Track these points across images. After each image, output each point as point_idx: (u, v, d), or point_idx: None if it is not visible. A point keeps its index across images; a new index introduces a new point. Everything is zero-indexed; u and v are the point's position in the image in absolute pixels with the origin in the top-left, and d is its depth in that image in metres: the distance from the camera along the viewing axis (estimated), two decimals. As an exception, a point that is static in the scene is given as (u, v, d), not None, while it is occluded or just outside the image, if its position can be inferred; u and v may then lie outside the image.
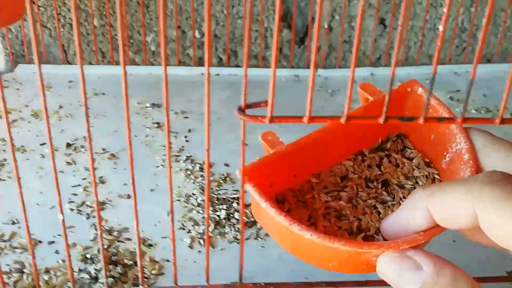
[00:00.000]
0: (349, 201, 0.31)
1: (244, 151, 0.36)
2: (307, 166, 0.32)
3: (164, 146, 0.59)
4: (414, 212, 0.25)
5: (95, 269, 0.43)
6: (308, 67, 0.78)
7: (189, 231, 0.48)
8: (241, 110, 0.32)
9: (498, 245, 0.23)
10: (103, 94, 0.69)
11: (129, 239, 0.47)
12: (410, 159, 0.33)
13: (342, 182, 0.32)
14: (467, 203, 0.22)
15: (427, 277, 0.23)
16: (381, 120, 0.32)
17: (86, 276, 0.42)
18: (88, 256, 0.44)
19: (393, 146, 0.34)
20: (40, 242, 0.46)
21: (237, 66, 0.77)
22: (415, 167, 0.32)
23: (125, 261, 0.44)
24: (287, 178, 0.32)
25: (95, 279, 0.42)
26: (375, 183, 0.32)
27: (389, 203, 0.31)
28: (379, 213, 0.31)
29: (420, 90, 0.32)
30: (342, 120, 0.32)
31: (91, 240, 0.46)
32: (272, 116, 0.32)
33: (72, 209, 0.50)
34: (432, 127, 0.32)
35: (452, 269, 0.23)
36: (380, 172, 0.33)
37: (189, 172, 0.55)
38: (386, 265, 0.25)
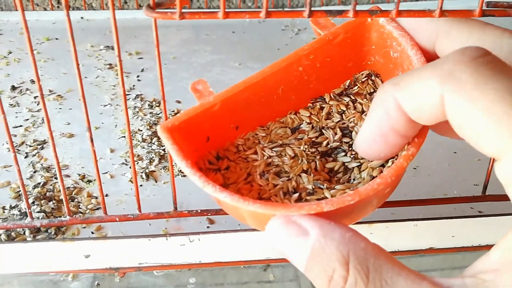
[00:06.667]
0: (295, 156, 0.26)
1: (160, 58, 0.33)
2: (253, 117, 0.27)
3: (114, 86, 0.55)
4: (386, 107, 0.20)
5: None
6: (275, 7, 0.74)
7: (131, 167, 0.45)
8: (150, 8, 0.29)
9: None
10: (57, 39, 0.66)
11: (68, 176, 0.44)
12: None
13: (293, 134, 0.28)
14: (435, 85, 0.18)
15: (314, 242, 0.20)
16: (305, 14, 0.29)
17: (17, 212, 0.40)
18: (21, 193, 0.42)
19: (362, 89, 0.29)
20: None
21: (199, 7, 0.73)
22: None
23: (61, 197, 0.42)
24: (227, 131, 0.27)
25: (26, 214, 0.40)
26: (331, 131, 0.27)
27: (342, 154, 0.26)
28: (330, 170, 0.26)
29: (381, 20, 0.27)
30: (261, 15, 0.29)
31: (27, 179, 0.44)
32: (182, 12, 0.29)
33: (9, 149, 0.47)
34: (402, 69, 0.27)
35: (342, 231, 0.20)
36: (341, 120, 0.28)
37: (137, 110, 0.52)
38: (271, 234, 0.21)
